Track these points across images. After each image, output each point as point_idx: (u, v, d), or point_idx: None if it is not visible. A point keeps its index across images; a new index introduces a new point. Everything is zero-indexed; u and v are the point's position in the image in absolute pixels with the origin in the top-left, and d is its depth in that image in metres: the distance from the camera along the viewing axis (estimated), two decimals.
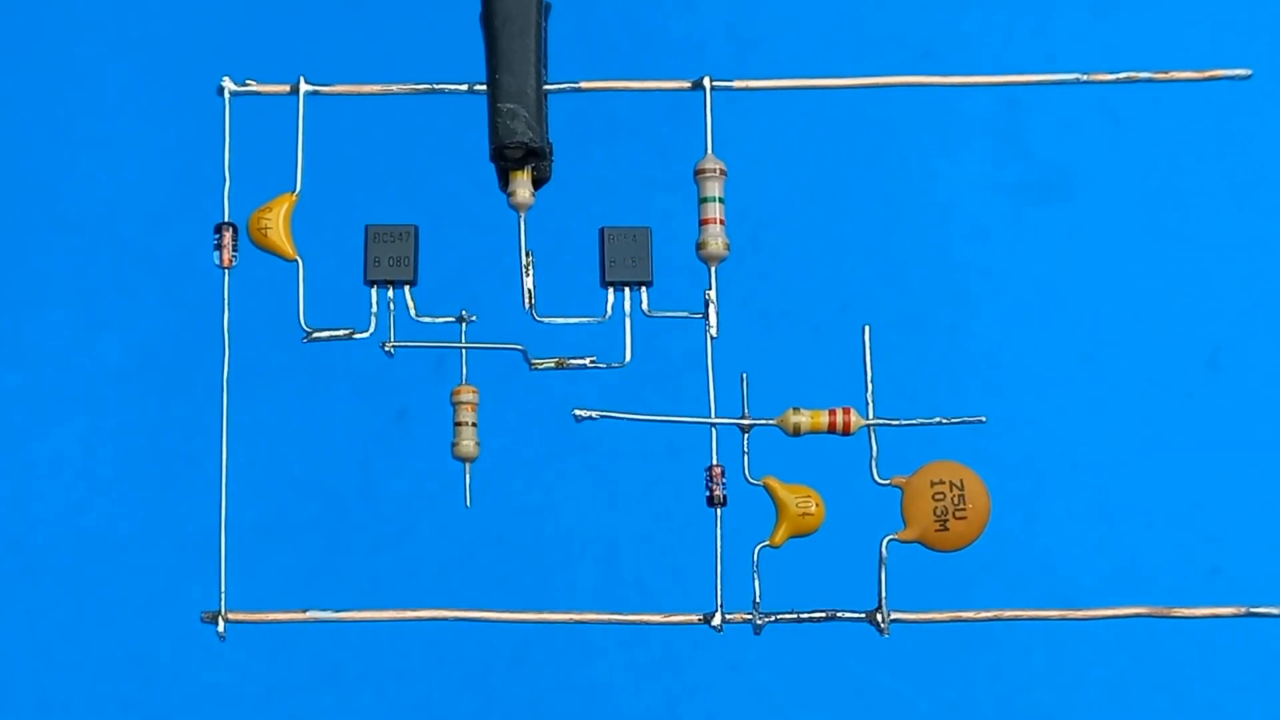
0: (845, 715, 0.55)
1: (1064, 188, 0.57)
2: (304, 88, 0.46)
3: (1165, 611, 0.45)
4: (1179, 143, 0.56)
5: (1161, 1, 0.58)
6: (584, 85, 0.47)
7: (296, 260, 0.46)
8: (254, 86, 0.46)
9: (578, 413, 0.45)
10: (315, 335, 0.45)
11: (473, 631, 0.52)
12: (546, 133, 0.46)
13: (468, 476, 0.45)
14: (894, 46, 0.59)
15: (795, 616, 0.45)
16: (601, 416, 0.45)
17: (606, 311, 0.46)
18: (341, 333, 0.45)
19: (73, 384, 0.55)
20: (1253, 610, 0.45)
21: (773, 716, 0.55)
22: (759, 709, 0.55)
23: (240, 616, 0.44)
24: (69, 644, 0.54)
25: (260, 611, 0.44)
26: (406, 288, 0.46)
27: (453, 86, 0.47)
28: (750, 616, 0.45)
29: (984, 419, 0.46)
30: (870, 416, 0.45)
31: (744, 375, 0.45)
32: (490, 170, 0.46)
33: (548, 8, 0.46)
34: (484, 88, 0.46)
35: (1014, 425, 0.55)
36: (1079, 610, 0.45)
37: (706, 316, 0.45)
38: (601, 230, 0.46)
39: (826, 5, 0.60)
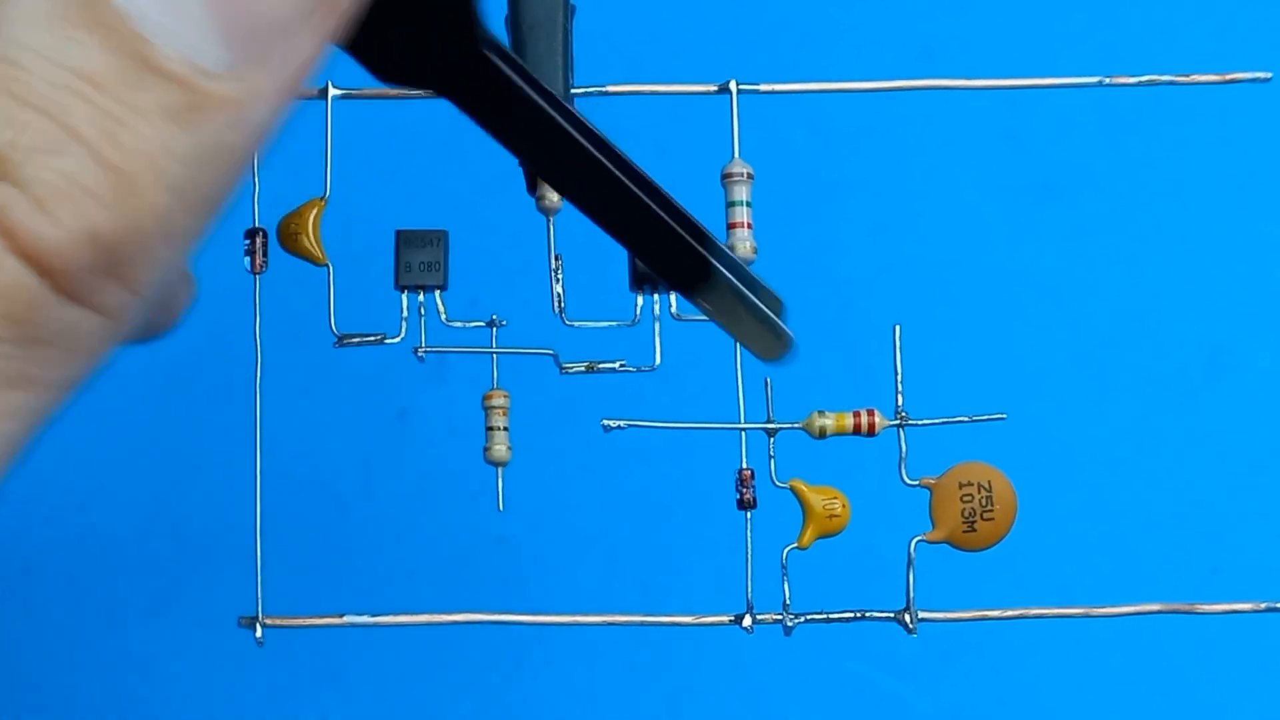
0: (874, 714, 0.56)
1: (1084, 191, 0.57)
2: (332, 91, 0.46)
3: (1188, 608, 0.45)
4: (1199, 145, 0.57)
5: (1177, 5, 0.58)
6: (610, 89, 0.47)
7: (326, 265, 0.46)
8: None
9: (606, 423, 0.45)
10: (346, 340, 0.45)
11: (493, 634, 0.52)
12: None
13: (500, 481, 0.45)
14: (903, 50, 0.59)
15: (824, 617, 0.45)
16: (629, 425, 0.45)
17: (635, 315, 0.46)
18: (372, 338, 0.45)
19: (102, 391, 0.55)
20: (1275, 606, 0.45)
21: (803, 715, 0.55)
22: (789, 708, 0.56)
23: (277, 621, 0.44)
24: (100, 649, 0.54)
25: (297, 616, 0.44)
26: (437, 292, 0.46)
27: None
28: (780, 617, 0.45)
29: (1004, 415, 0.46)
30: (897, 417, 0.45)
31: (768, 380, 0.45)
32: (518, 173, 0.46)
33: (572, 9, 0.46)
34: None
35: (1035, 422, 0.56)
36: (1101, 608, 0.45)
37: None
38: None
39: (848, 10, 0.60)
